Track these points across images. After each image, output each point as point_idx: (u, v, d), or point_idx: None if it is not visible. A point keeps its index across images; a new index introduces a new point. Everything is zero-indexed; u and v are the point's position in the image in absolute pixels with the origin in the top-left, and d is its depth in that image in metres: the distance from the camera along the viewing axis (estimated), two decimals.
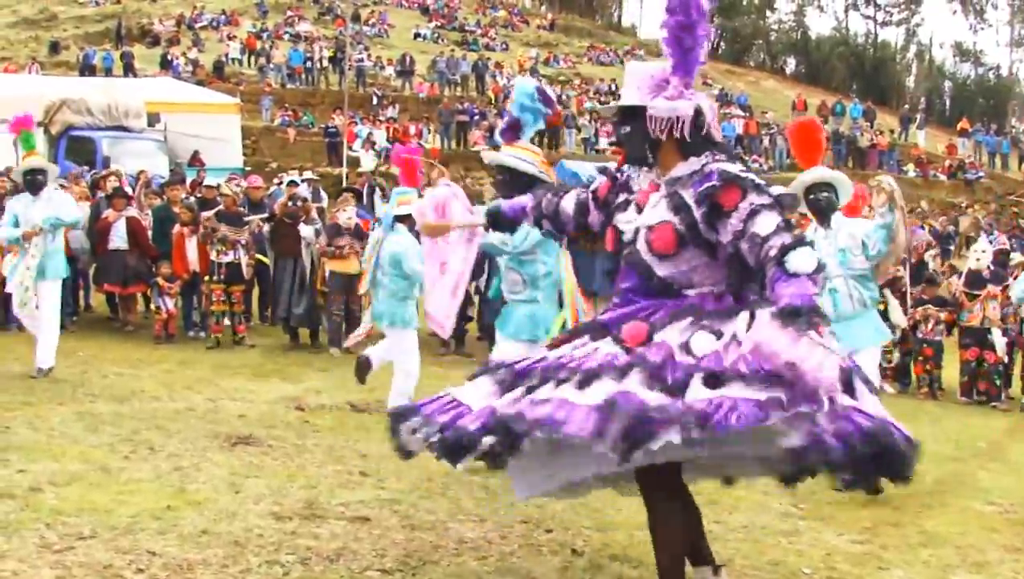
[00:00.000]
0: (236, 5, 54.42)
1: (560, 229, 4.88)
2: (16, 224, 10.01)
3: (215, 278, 13.05)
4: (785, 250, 3.85)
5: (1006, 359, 13.39)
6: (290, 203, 13.41)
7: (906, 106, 61.81)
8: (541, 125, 7.03)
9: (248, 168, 25.71)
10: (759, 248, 3.92)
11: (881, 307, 13.30)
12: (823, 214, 7.61)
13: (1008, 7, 73.54)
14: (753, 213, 3.96)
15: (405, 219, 8.57)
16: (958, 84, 77.35)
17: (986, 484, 8.02)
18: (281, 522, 5.48)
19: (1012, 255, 15.87)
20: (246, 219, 13.36)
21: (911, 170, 41.41)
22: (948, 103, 75.02)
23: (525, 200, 4.93)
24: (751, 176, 4.07)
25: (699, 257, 4.14)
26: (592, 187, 4.60)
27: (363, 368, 8.58)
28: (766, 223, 3.94)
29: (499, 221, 5.08)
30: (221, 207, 13.35)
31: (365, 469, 6.84)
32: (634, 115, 4.27)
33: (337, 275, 12.89)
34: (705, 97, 4.34)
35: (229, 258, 13.08)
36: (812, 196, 7.62)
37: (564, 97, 44.20)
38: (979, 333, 13.16)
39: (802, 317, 3.65)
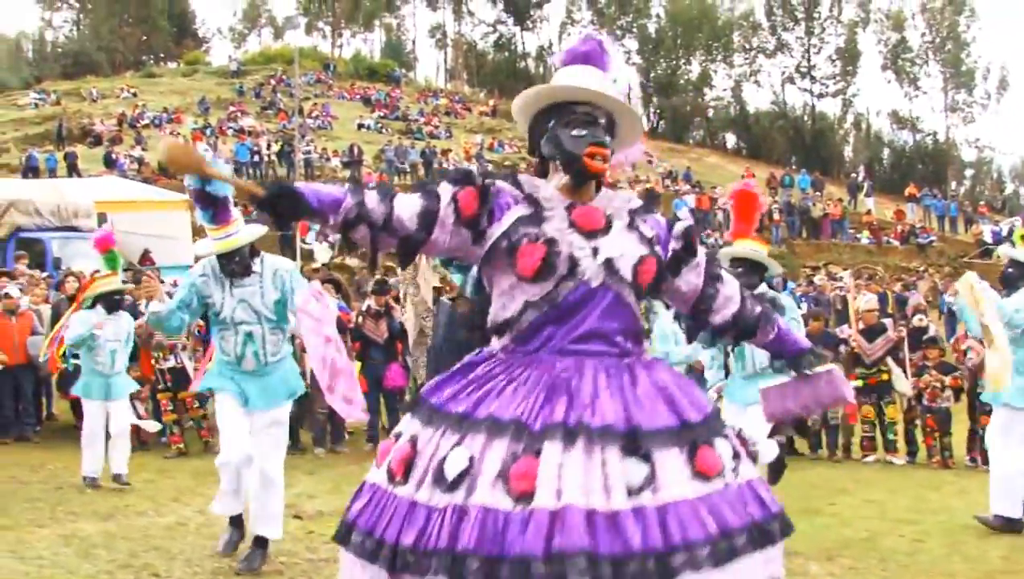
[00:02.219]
0: (177, 103, 54.01)
1: (381, 245, 3.37)
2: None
3: (159, 387, 12.44)
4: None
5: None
6: None
7: (853, 175, 62.33)
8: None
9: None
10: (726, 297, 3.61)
11: (884, 377, 13.03)
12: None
13: (940, 74, 74.75)
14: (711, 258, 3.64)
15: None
16: (897, 151, 78.22)
17: None
18: None
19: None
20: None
21: (864, 237, 41.53)
22: (888, 170, 75.85)
23: (337, 191, 3.31)
24: None
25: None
26: (442, 197, 3.36)
27: None
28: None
29: (287, 206, 3.22)
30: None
31: None
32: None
33: None
34: None
35: (171, 363, 12.45)
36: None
37: None
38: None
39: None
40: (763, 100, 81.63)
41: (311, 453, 12.29)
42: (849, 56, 76.19)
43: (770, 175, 50.17)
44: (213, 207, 6.28)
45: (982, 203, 55.33)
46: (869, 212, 45.89)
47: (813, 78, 77.31)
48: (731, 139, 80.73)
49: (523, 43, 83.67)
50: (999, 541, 7.98)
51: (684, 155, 66.57)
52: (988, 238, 43.35)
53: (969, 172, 79.24)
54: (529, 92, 3.52)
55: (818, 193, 47.90)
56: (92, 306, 9.94)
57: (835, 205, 43.96)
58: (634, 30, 79.06)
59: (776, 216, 40.83)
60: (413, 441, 3.19)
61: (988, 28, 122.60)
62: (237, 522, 6.89)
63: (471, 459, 3.02)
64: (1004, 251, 8.86)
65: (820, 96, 78.02)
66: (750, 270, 7.05)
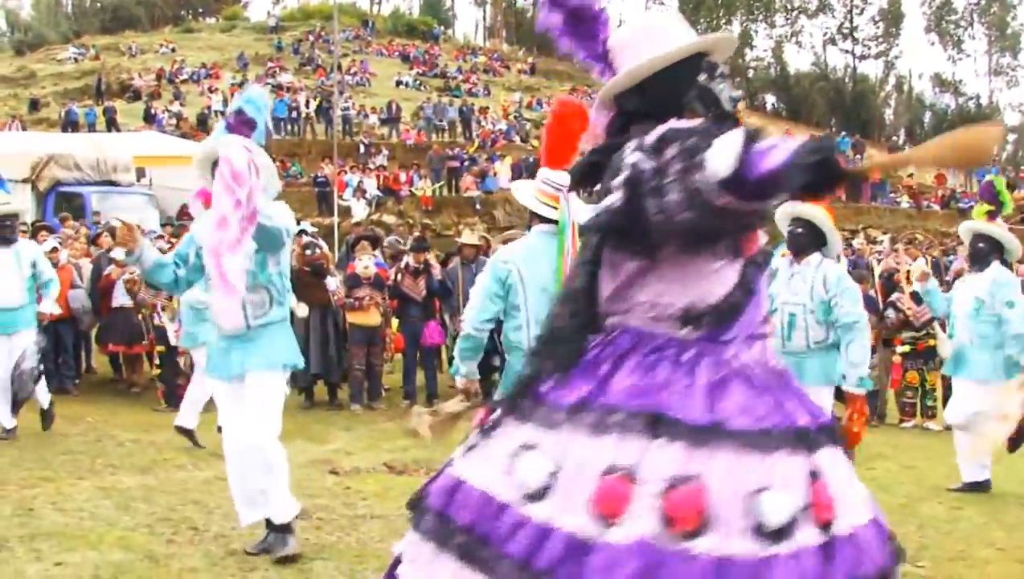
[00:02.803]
0: (216, 58, 54.07)
1: None
2: None
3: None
4: None
5: None
6: (307, 252, 12.61)
7: (894, 138, 61.85)
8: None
9: None
10: None
11: (931, 343, 12.89)
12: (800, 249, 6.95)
13: (985, 36, 73.87)
14: None
15: None
16: (938, 115, 77.45)
17: None
18: None
19: None
20: None
21: (904, 201, 41.16)
22: (930, 134, 75.07)
23: None
24: None
25: None
26: None
27: None
28: None
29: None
30: None
31: None
32: None
33: (357, 328, 12.28)
34: None
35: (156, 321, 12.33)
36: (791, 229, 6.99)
37: None
38: None
39: None
40: (804, 61, 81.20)
41: (348, 409, 12.30)
42: (892, 17, 75.39)
43: (809, 137, 49.66)
44: None
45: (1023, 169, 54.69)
46: (911, 175, 45.45)
47: (855, 39, 76.62)
48: (770, 100, 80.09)
49: None
50: None
51: None
52: None
53: (1012, 137, 78.32)
54: (682, 43, 3.11)
55: (858, 156, 47.30)
56: None
57: (875, 169, 43.51)
58: None
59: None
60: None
61: None
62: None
63: None
64: (971, 226, 8.62)
65: (862, 58, 77.39)
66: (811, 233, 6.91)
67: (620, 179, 2.75)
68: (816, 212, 6.95)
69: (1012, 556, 6.43)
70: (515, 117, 47.54)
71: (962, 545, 6.63)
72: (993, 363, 8.21)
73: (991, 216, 8.28)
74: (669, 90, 3.05)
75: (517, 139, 43.88)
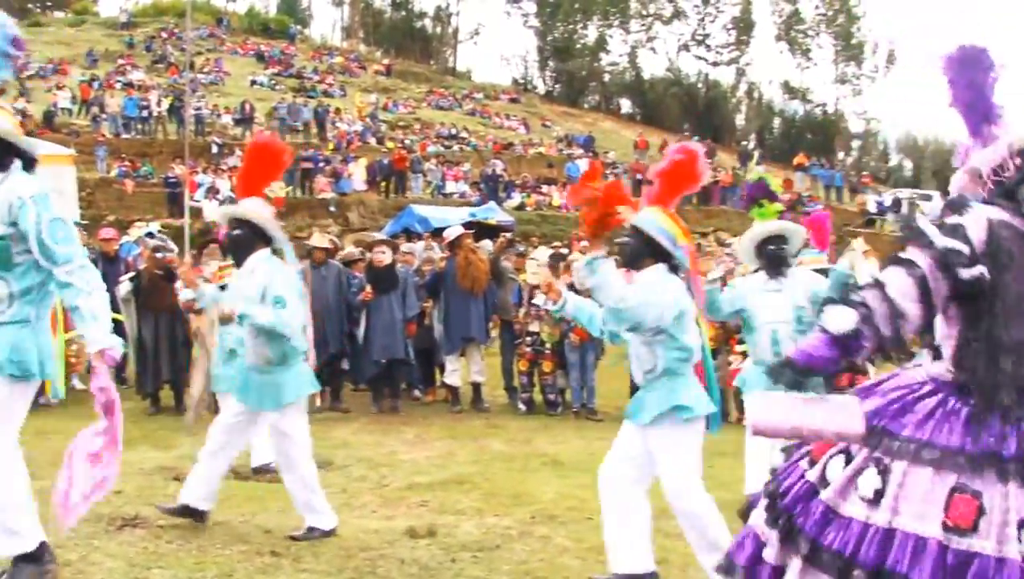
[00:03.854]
0: (64, 54, 52.65)
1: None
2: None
3: None
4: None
5: None
6: (157, 255, 12.34)
7: (744, 143, 63.24)
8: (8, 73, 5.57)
9: (85, 221, 24.48)
10: None
11: None
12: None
13: (832, 46, 76.01)
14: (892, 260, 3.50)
15: None
16: (787, 121, 79.69)
17: None
18: None
19: None
20: None
21: None
22: (779, 139, 77.19)
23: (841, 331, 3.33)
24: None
25: None
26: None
27: None
28: None
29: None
30: None
31: (275, 548, 6.18)
32: None
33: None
34: None
35: None
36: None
37: (408, 142, 43.87)
38: None
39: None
40: (658, 67, 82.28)
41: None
42: (744, 26, 77.14)
43: (663, 141, 50.60)
44: None
45: (867, 174, 56.46)
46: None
47: (708, 46, 78.25)
48: (626, 104, 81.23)
49: (421, 2, 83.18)
50: None
51: (579, 119, 66.94)
52: (872, 208, 44.45)
53: (856, 143, 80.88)
54: None
55: (709, 160, 48.33)
56: None
57: (726, 172, 44.57)
58: None
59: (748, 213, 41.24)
60: None
61: (878, 3, 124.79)
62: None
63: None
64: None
65: (714, 64, 79.07)
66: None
67: None
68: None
69: None
70: (371, 119, 47.39)
71: None
72: None
73: (781, 213, 8.38)
74: None
75: (373, 141, 43.78)
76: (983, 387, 3.31)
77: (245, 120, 42.29)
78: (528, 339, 13.35)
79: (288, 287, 6.57)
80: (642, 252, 5.72)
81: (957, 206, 3.43)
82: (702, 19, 77.98)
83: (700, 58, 79.28)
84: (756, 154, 52.23)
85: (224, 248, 8.31)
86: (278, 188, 34.17)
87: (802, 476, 3.57)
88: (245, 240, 6.69)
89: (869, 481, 3.34)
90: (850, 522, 3.33)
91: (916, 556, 3.16)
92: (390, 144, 42.88)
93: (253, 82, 52.15)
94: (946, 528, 3.16)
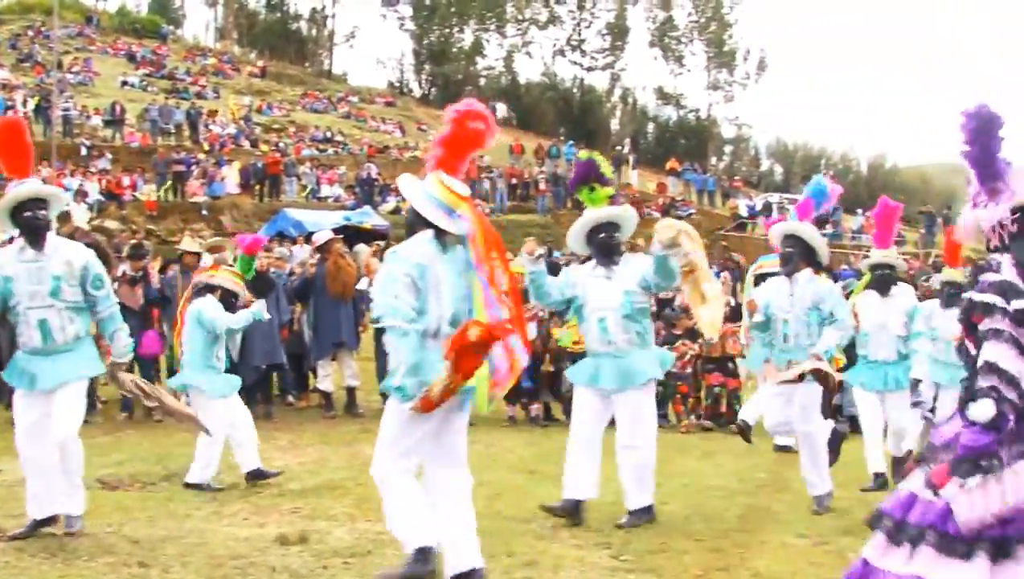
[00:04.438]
0: None
1: None
2: None
3: None
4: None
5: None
6: None
7: (619, 147, 63.89)
8: None
9: None
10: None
11: None
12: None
13: (704, 53, 77.24)
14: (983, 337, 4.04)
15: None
16: (661, 126, 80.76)
17: (787, 517, 7.99)
18: None
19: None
20: None
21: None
22: (653, 144, 78.24)
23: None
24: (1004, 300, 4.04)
25: None
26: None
27: None
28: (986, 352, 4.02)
29: None
30: None
31: (143, 559, 6.10)
32: None
33: None
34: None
35: None
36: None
37: (282, 145, 43.48)
38: (721, 361, 13.78)
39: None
40: (534, 71, 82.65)
41: None
42: (618, 32, 77.86)
43: (538, 145, 51.10)
44: None
45: (738, 178, 57.52)
46: (628, 185, 47.28)
47: (583, 52, 78.76)
48: (501, 108, 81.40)
49: (296, 4, 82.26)
50: (735, 502, 8.44)
51: None
52: (743, 212, 45.37)
53: (728, 148, 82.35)
54: None
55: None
56: None
57: None
58: None
59: (543, 186, 41.63)
60: None
61: (749, 11, 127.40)
62: None
63: None
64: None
65: (589, 69, 79.62)
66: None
67: None
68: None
69: (708, 546, 6.82)
70: (245, 121, 46.86)
71: (664, 538, 6.97)
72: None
73: (613, 199, 7.92)
74: None
75: (246, 143, 43.28)
76: None
77: (115, 121, 41.48)
78: None
79: None
80: (414, 222, 5.73)
81: (987, 269, 4.19)
82: (577, 24, 78.56)
83: (575, 63, 79.86)
84: (630, 159, 53.08)
85: None
86: (149, 191, 33.67)
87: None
88: None
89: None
90: None
91: None
92: (264, 147, 42.46)
93: (124, 83, 51.13)
94: None
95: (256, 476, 8.86)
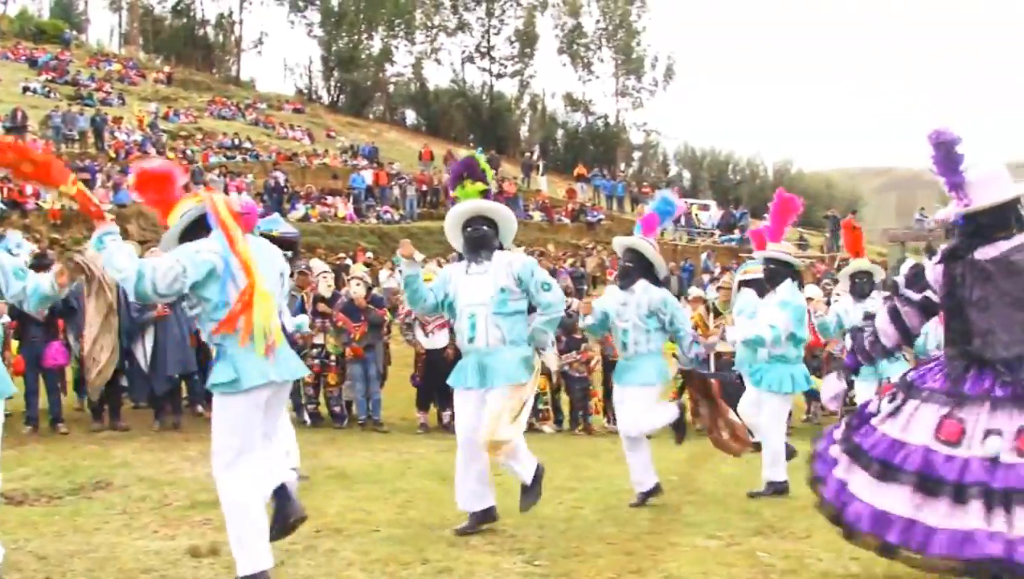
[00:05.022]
0: None
1: None
2: None
3: None
4: None
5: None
6: None
7: (527, 154, 64.11)
8: None
9: None
10: None
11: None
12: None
13: (612, 60, 77.88)
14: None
15: None
16: (570, 132, 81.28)
17: (698, 518, 8.06)
18: None
19: None
20: None
21: (537, 215, 42.88)
22: (562, 150, 78.72)
23: None
24: None
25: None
26: None
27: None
28: None
29: None
30: None
31: (51, 575, 5.99)
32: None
33: None
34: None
35: None
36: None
37: (189, 152, 42.96)
38: None
39: None
40: (443, 78, 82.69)
41: None
42: (527, 39, 78.28)
43: (447, 152, 51.10)
44: None
45: (647, 184, 58.04)
46: (539, 191, 47.55)
47: (492, 58, 79.11)
48: (411, 115, 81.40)
49: (203, 10, 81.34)
50: (647, 505, 8.52)
51: (364, 130, 66.77)
52: None
53: (637, 154, 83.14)
54: (1019, 189, 5.62)
55: (494, 171, 48.98)
56: None
57: (510, 183, 45.22)
58: (317, 2, 78.32)
59: (452, 193, 41.60)
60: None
61: (657, 18, 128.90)
62: None
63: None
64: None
65: (499, 76, 79.99)
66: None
67: None
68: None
69: (621, 549, 6.86)
70: (151, 128, 46.19)
71: (577, 542, 7.00)
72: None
73: (485, 194, 7.62)
74: (1008, 211, 5.52)
75: (153, 151, 42.62)
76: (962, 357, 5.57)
77: (17, 128, 40.51)
78: (313, 351, 13.30)
79: None
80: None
81: (920, 267, 5.97)
82: (486, 31, 78.85)
83: (484, 70, 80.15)
84: (540, 165, 53.33)
85: None
86: (53, 199, 33.04)
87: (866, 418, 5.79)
88: None
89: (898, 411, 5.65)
90: (884, 435, 5.61)
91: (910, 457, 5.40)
92: (171, 154, 41.83)
93: (25, 88, 50.06)
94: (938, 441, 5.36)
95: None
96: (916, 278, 5.82)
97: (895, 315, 5.89)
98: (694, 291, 16.71)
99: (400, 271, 7.67)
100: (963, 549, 5.01)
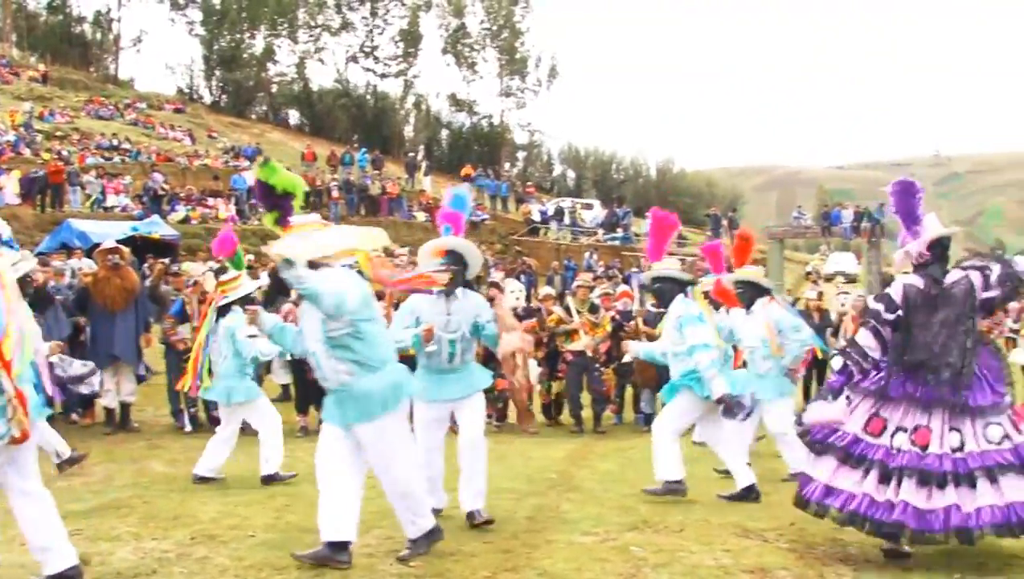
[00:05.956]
0: None
1: None
2: None
3: None
4: None
5: (537, 387, 14.27)
6: None
7: (411, 154, 64.03)
8: None
9: None
10: None
11: None
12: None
13: (497, 60, 78.12)
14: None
15: None
16: (455, 132, 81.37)
17: (574, 515, 8.20)
18: None
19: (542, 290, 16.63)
20: None
21: (421, 216, 42.82)
22: (447, 151, 78.78)
23: None
24: None
25: None
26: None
27: None
28: None
29: None
30: None
31: None
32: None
33: None
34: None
35: None
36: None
37: (65, 153, 42.03)
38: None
39: None
40: (327, 78, 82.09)
41: None
42: (411, 38, 78.19)
43: (331, 152, 50.87)
44: None
45: (531, 184, 58.40)
46: (423, 192, 47.52)
47: (376, 58, 78.93)
48: (294, 115, 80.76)
49: (79, 6, 79.66)
50: (526, 503, 8.61)
51: (247, 130, 66.12)
52: (536, 217, 46.07)
53: (521, 154, 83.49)
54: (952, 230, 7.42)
55: (377, 172, 49.02)
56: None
57: (393, 184, 45.14)
58: (198, 1, 77.27)
59: (335, 193, 41.45)
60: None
61: (541, 19, 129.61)
62: None
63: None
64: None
65: (383, 76, 79.82)
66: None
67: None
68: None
69: (497, 547, 6.94)
70: (25, 128, 45.12)
71: (454, 542, 7.04)
72: None
73: (279, 221, 6.58)
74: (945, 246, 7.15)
75: (27, 152, 41.66)
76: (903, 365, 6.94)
77: None
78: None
79: None
80: None
81: (887, 284, 7.53)
82: (370, 31, 78.61)
83: (368, 70, 79.90)
84: (424, 165, 53.33)
85: None
86: None
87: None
88: None
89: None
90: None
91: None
92: (46, 155, 40.91)
93: None
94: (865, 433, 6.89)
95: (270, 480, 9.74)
96: (889, 304, 7.01)
97: (877, 333, 7.01)
98: (544, 290, 16.60)
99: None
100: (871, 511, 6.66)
